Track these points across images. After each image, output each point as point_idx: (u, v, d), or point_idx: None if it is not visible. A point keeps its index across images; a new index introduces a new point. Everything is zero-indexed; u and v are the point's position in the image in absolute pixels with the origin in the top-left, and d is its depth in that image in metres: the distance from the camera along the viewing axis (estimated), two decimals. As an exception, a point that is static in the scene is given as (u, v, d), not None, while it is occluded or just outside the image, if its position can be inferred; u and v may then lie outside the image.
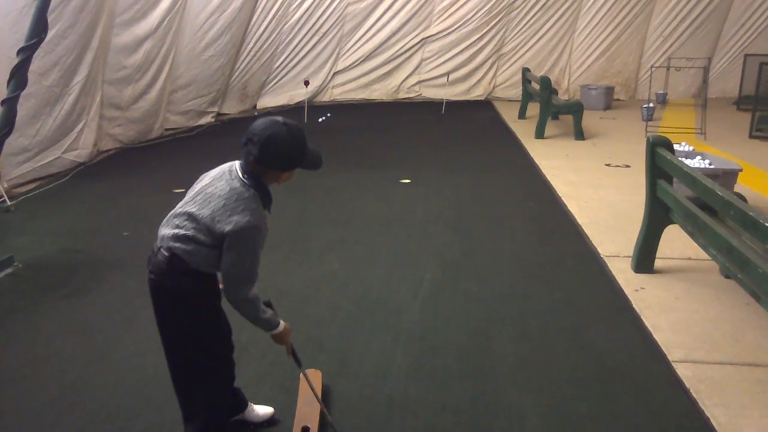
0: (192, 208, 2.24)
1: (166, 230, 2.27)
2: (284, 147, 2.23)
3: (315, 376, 2.96)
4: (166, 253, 2.23)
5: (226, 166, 2.33)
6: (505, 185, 6.58)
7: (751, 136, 8.82)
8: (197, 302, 2.30)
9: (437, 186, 6.54)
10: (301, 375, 2.69)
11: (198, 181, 2.38)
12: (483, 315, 3.73)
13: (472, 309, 3.81)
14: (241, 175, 2.25)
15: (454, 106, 11.97)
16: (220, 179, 2.27)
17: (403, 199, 6.10)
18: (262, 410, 2.73)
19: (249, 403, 2.72)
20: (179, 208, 2.30)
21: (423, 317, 3.71)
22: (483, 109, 11.95)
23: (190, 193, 2.33)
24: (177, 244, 2.22)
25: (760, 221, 2.66)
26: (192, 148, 8.71)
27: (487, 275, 4.29)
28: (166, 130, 9.52)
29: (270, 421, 2.72)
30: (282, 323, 2.38)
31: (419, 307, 3.84)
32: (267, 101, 12.09)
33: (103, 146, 8.06)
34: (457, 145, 8.70)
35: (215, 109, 10.69)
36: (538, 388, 3.00)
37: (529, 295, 3.99)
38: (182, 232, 2.22)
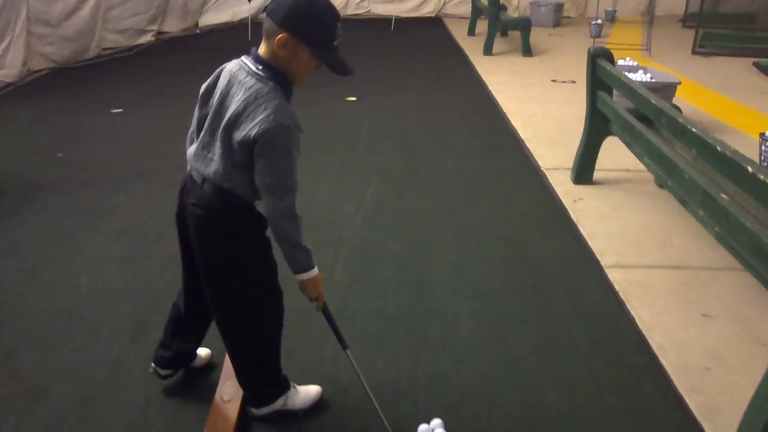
0: (217, 129, 1.90)
1: (205, 167, 1.94)
2: (314, 4, 1.79)
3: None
4: (214, 187, 1.92)
5: (233, 65, 1.94)
6: (451, 102, 6.53)
7: (693, 53, 8.91)
8: (252, 241, 2.02)
9: (383, 103, 6.46)
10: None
11: (205, 92, 2.01)
12: (423, 228, 3.76)
13: (413, 222, 3.83)
14: (253, 68, 1.86)
15: (403, 23, 11.69)
16: (231, 85, 1.89)
17: (348, 117, 6.01)
18: (203, 352, 2.54)
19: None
20: (204, 135, 1.96)
21: (364, 232, 3.72)
22: (433, 26, 11.71)
23: (208, 110, 1.96)
24: (224, 185, 1.91)
25: (689, 128, 2.70)
26: (132, 68, 8.35)
27: (429, 190, 4.31)
28: (104, 49, 9.06)
29: (209, 363, 2.58)
30: (315, 268, 2.03)
31: (361, 222, 3.84)
32: (210, 18, 11.59)
33: (34, 66, 7.64)
34: (405, 63, 8.55)
35: (155, 27, 10.20)
36: (474, 295, 3.07)
37: (470, 207, 4.03)
38: (219, 164, 1.90)
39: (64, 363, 2.58)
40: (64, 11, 7.94)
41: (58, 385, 2.46)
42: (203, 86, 2.02)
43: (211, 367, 2.56)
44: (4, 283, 3.17)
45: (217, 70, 2.01)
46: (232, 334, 2.19)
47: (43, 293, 3.08)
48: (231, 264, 2.04)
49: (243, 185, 1.91)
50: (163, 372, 2.41)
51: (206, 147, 1.96)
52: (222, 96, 1.91)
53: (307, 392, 2.36)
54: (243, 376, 2.26)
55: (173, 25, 10.75)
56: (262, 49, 1.88)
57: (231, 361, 2.30)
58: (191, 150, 2.04)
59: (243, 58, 1.92)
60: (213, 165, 1.92)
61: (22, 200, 4.13)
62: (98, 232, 3.66)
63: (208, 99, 1.98)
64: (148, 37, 9.93)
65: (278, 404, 2.28)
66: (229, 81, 1.90)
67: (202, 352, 2.55)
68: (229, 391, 2.34)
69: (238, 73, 1.89)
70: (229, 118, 1.85)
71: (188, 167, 2.06)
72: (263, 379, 2.27)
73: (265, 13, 1.85)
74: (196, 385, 2.45)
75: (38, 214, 3.93)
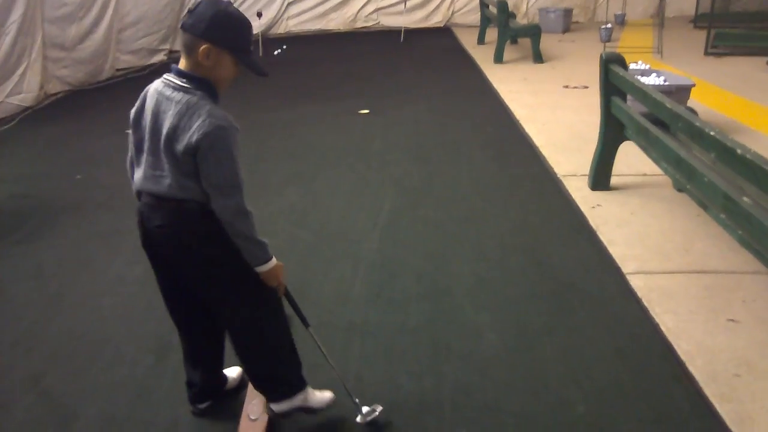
0: (158, 147, 1.93)
1: (159, 186, 1.97)
2: (223, 12, 1.89)
3: (274, 306, 2.96)
4: (171, 203, 1.96)
5: (157, 84, 1.99)
6: (464, 111, 6.54)
7: (706, 53, 8.85)
8: (227, 242, 2.00)
9: (396, 115, 6.47)
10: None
11: (135, 116, 2.03)
12: (441, 239, 3.76)
13: (431, 234, 3.83)
14: (179, 82, 1.92)
15: (412, 34, 11.73)
16: (160, 103, 1.93)
17: (361, 130, 6.03)
18: (234, 372, 2.55)
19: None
20: (147, 156, 1.99)
21: (382, 245, 3.72)
22: (442, 36, 11.74)
23: (142, 133, 1.99)
24: (181, 195, 1.95)
25: (706, 131, 2.68)
26: (144, 88, 8.43)
27: (445, 200, 4.31)
28: (118, 70, 9.18)
29: (243, 380, 2.55)
30: (274, 259, 2.08)
31: (378, 235, 3.85)
32: (220, 36, 11.68)
33: (50, 89, 7.76)
34: (415, 74, 8.58)
35: (167, 47, 10.32)
36: (495, 305, 3.06)
37: (487, 217, 4.03)
38: (170, 178, 1.94)
39: (91, 385, 2.60)
40: (78, 35, 8.06)
41: (86, 407, 2.48)
42: (132, 111, 2.06)
43: (239, 385, 2.57)
44: (30, 307, 3.21)
45: (143, 93, 2.05)
46: (242, 334, 2.20)
47: (68, 316, 3.11)
48: (217, 268, 2.06)
49: (198, 192, 1.95)
50: (202, 406, 2.43)
51: (153, 166, 1.98)
52: (154, 115, 1.96)
53: (323, 395, 2.38)
54: (258, 379, 2.27)
55: (185, 44, 10.87)
56: (182, 64, 1.95)
57: (242, 365, 2.29)
58: (138, 175, 2.05)
59: (165, 75, 1.98)
60: (165, 180, 1.96)
61: (43, 223, 4.18)
62: (118, 252, 3.69)
63: (140, 122, 2.02)
64: (160, 56, 10.05)
65: (298, 400, 2.29)
66: (157, 100, 1.96)
67: (233, 372, 2.57)
68: (255, 410, 2.34)
69: (164, 90, 1.95)
70: (167, 134, 1.90)
71: (139, 197, 2.08)
72: (280, 377, 2.27)
73: (182, 30, 1.92)
74: (223, 404, 2.45)
75: (60, 237, 3.97)
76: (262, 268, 2.05)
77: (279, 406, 2.28)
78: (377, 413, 2.35)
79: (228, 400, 2.46)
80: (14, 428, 2.40)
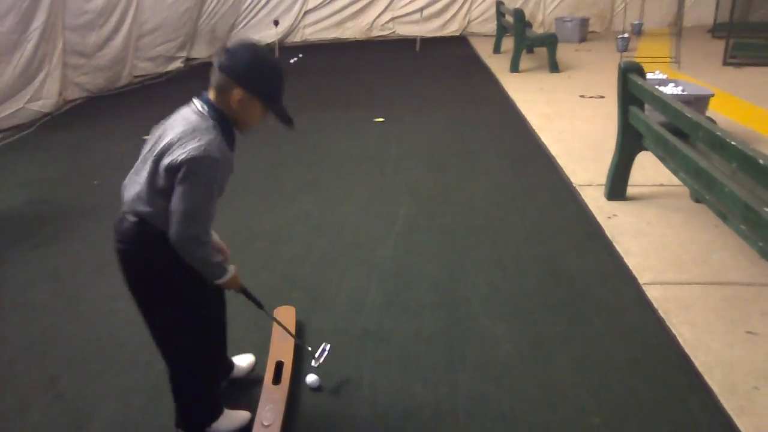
0: (150, 155, 1.95)
1: (129, 191, 2.01)
2: (261, 60, 1.96)
3: (288, 312, 2.97)
4: (133, 218, 1.98)
5: (183, 106, 2.05)
6: (480, 120, 6.53)
7: (724, 63, 8.79)
8: (176, 270, 2.02)
9: (411, 123, 6.48)
10: (273, 314, 2.66)
11: (153, 130, 2.07)
12: (457, 248, 3.74)
13: (446, 242, 3.82)
14: (199, 107, 1.97)
15: (428, 43, 11.76)
16: (175, 119, 1.99)
17: (377, 138, 6.04)
18: (245, 361, 2.65)
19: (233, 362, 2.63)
20: (139, 162, 2.02)
21: (397, 252, 3.71)
22: (458, 45, 11.76)
23: (147, 145, 2.03)
24: (141, 208, 1.96)
25: (728, 141, 2.65)
26: (162, 94, 8.51)
27: (460, 209, 4.29)
28: (135, 77, 9.28)
29: (254, 369, 2.67)
30: (231, 269, 2.12)
31: (393, 242, 3.84)
32: (237, 44, 11.78)
33: (69, 96, 7.85)
34: (431, 82, 8.59)
35: (184, 54, 10.42)
36: (511, 314, 3.04)
37: (503, 225, 4.01)
38: (141, 186, 1.96)
39: (105, 388, 2.62)
40: (98, 42, 8.16)
41: (101, 410, 2.49)
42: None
43: (252, 382, 2.59)
44: (47, 310, 3.24)
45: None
46: (169, 359, 2.24)
47: (84, 319, 3.14)
48: (153, 293, 2.10)
49: (159, 212, 1.94)
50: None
51: (136, 171, 2.01)
52: (163, 128, 2.00)
53: (234, 419, 2.36)
54: (177, 395, 2.29)
55: (201, 51, 10.96)
56: (211, 96, 1.98)
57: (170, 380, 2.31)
58: (125, 180, 2.08)
59: (193, 99, 2.02)
60: (136, 187, 1.98)
61: (61, 227, 4.22)
62: (135, 257, 3.71)
63: (154, 132, 2.05)
64: (177, 64, 10.15)
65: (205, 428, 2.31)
66: (175, 116, 2.01)
67: (244, 362, 2.63)
68: (269, 416, 2.34)
69: (184, 110, 2.01)
70: (164, 146, 1.92)
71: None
72: (194, 403, 2.29)
73: (218, 69, 1.95)
74: (236, 409, 2.45)
75: (77, 242, 4.01)
76: (221, 281, 2.10)
77: None
78: (327, 352, 2.61)
79: (238, 405, 2.45)
80: (30, 429, 2.42)
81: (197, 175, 1.88)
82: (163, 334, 2.20)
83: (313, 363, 2.57)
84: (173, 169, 1.88)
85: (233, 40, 11.64)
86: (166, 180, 1.91)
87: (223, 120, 1.98)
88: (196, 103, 1.99)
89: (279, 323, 2.56)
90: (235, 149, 2.06)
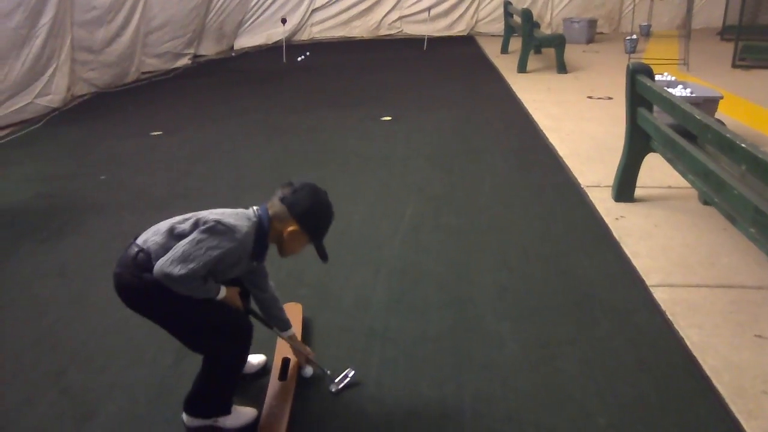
0: (179, 224, 2.10)
1: (147, 233, 2.14)
2: (319, 204, 2.23)
3: (295, 308, 2.97)
4: (134, 249, 2.08)
5: None
6: (487, 120, 6.52)
7: (733, 66, 8.75)
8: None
9: (419, 122, 6.47)
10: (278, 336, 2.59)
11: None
12: (463, 247, 3.74)
13: (453, 242, 3.81)
14: (254, 209, 2.20)
15: (436, 42, 11.75)
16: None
17: (384, 137, 6.04)
18: (256, 360, 2.66)
19: None
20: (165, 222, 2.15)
21: (404, 251, 3.71)
22: (465, 45, 11.75)
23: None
24: (151, 242, 2.07)
25: (737, 143, 2.64)
26: (169, 91, 8.55)
27: (467, 208, 4.29)
28: (143, 73, 9.32)
29: (265, 368, 2.67)
30: (222, 290, 2.17)
31: (400, 241, 3.84)
32: (244, 41, 11.82)
33: (77, 91, 7.89)
34: (438, 82, 8.58)
35: (192, 51, 10.46)
36: (518, 315, 3.03)
37: (510, 226, 4.00)
38: (158, 236, 2.09)
39: (111, 383, 2.62)
40: (106, 38, 8.19)
41: (106, 404, 2.49)
42: None
43: (260, 379, 2.59)
44: (53, 305, 3.24)
45: None
46: (205, 357, 2.29)
47: (90, 314, 3.14)
48: (162, 312, 2.16)
49: (160, 250, 2.03)
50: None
51: (169, 227, 2.10)
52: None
53: (240, 416, 2.37)
54: (201, 383, 2.30)
55: (209, 49, 11.00)
56: (270, 210, 2.20)
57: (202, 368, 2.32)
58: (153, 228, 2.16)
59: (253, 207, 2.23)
60: (155, 229, 2.12)
61: (68, 222, 4.23)
62: (142, 253, 3.72)
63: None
64: (184, 61, 10.18)
65: (211, 421, 2.32)
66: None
67: (254, 359, 2.64)
68: (275, 413, 2.33)
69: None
70: (204, 216, 2.10)
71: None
72: (213, 394, 2.31)
73: (280, 200, 2.19)
74: (243, 405, 2.45)
75: (84, 236, 4.02)
76: (217, 298, 2.17)
77: (192, 420, 2.32)
78: (350, 378, 2.53)
79: (245, 401, 2.46)
80: (36, 422, 2.42)
81: (214, 234, 2.02)
82: (190, 344, 2.27)
83: (331, 388, 2.50)
84: (201, 223, 2.06)
85: (240, 38, 11.67)
86: (189, 230, 2.05)
87: (263, 231, 2.17)
88: (254, 207, 2.21)
89: (291, 344, 2.55)
90: (263, 260, 2.30)
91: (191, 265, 1.97)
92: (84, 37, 7.82)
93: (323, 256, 2.29)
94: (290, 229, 2.18)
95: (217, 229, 2.03)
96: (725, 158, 3.15)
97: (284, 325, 2.52)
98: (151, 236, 2.11)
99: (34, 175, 5.20)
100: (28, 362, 2.79)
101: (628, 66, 4.04)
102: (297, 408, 2.43)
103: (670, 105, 3.52)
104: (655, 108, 4.00)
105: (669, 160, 3.80)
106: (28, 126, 6.63)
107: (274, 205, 2.20)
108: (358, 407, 2.45)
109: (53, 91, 7.20)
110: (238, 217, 2.12)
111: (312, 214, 2.21)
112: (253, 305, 2.48)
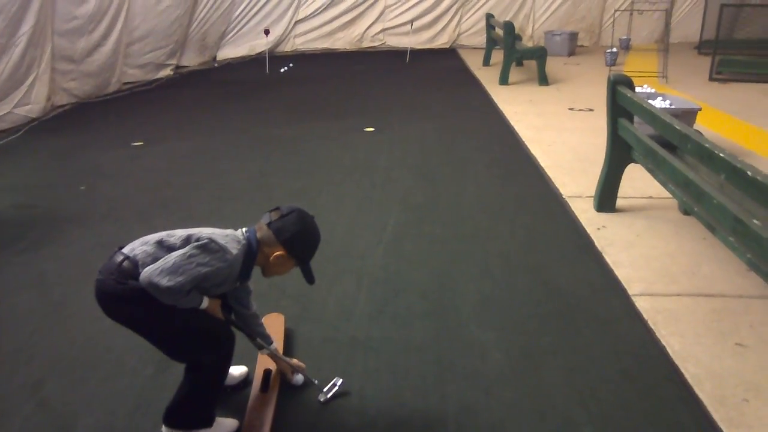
0: (168, 237, 2.11)
1: (134, 243, 2.13)
2: (306, 231, 2.23)
3: (277, 319, 2.95)
4: (120, 257, 2.07)
5: None
6: (469, 131, 6.55)
7: (710, 79, 8.90)
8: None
9: (401, 134, 6.49)
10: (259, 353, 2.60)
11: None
12: (446, 257, 3.74)
13: (436, 251, 3.81)
14: (243, 230, 2.21)
15: (418, 54, 11.82)
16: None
17: (366, 148, 6.04)
18: (237, 371, 2.63)
19: None
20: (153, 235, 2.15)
21: (386, 261, 3.70)
22: (448, 58, 11.82)
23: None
24: (138, 251, 2.07)
25: (716, 152, 2.67)
26: (151, 102, 8.48)
27: (450, 218, 4.29)
28: (124, 84, 9.26)
29: (246, 380, 2.63)
30: (205, 301, 2.15)
31: (383, 251, 3.83)
32: (227, 52, 11.80)
33: (57, 101, 7.81)
34: (421, 94, 8.62)
35: (174, 62, 10.41)
36: (501, 324, 3.03)
37: (492, 235, 4.01)
38: (147, 246, 2.09)
39: (90, 394, 2.57)
40: (87, 48, 8.12)
41: (85, 416, 2.44)
42: None
43: (242, 391, 2.55)
44: (31, 315, 3.19)
45: None
46: (186, 367, 2.28)
47: (69, 325, 3.09)
48: (144, 322, 2.14)
49: (147, 260, 2.03)
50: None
51: (149, 244, 2.10)
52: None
53: (220, 425, 2.35)
54: (183, 395, 2.27)
55: (192, 59, 10.96)
56: (258, 234, 2.19)
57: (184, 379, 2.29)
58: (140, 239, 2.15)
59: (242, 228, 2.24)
60: (144, 240, 2.12)
61: (47, 233, 4.17)
62: (122, 263, 3.67)
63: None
64: (167, 71, 10.13)
65: None
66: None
67: (236, 371, 2.61)
68: (256, 424, 2.31)
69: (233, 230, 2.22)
70: (193, 233, 2.11)
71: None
72: (195, 406, 2.28)
73: (266, 225, 2.19)
74: (224, 417, 2.42)
75: (63, 247, 3.96)
76: (200, 308, 2.16)
77: None
78: (338, 387, 2.53)
79: (225, 413, 2.42)
80: (12, 437, 2.37)
81: (207, 251, 2.03)
82: (172, 353, 2.25)
83: (320, 398, 2.50)
84: (193, 239, 2.07)
85: (222, 49, 11.64)
86: (181, 244, 2.06)
87: (252, 254, 2.17)
88: (243, 229, 2.22)
89: (275, 357, 2.53)
90: (248, 280, 2.30)
91: (179, 279, 1.96)
92: (65, 47, 7.75)
93: (309, 279, 2.31)
94: (277, 253, 2.18)
95: (209, 247, 2.04)
96: (704, 168, 3.18)
97: (266, 340, 2.50)
98: (138, 246, 2.10)
99: (12, 185, 5.12)
100: (3, 374, 2.73)
101: (609, 77, 4.09)
102: (279, 420, 2.40)
103: (651, 116, 3.55)
104: (636, 120, 4.04)
105: (650, 170, 3.84)
106: (6, 136, 6.54)
107: (262, 229, 2.20)
108: (340, 418, 2.43)
109: (33, 100, 7.12)
110: (228, 239, 2.12)
111: (299, 240, 2.22)
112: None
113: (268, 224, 2.19)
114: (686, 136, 3.03)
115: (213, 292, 2.18)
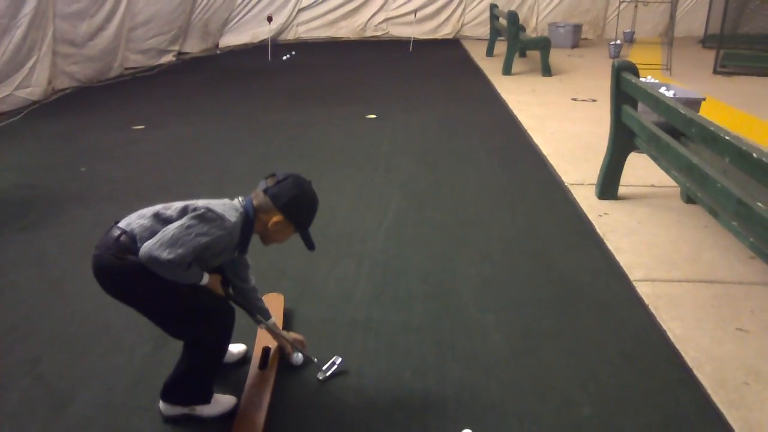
0: (164, 210, 2.08)
1: (131, 216, 2.11)
2: (304, 195, 2.20)
3: (277, 299, 2.94)
4: (117, 231, 2.03)
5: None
6: (471, 120, 6.52)
7: (715, 72, 8.86)
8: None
9: (404, 121, 6.46)
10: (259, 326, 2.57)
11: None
12: (447, 241, 3.72)
13: (436, 236, 3.80)
14: (240, 199, 2.18)
15: (421, 44, 11.77)
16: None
17: (369, 134, 6.02)
18: (236, 349, 2.62)
19: None
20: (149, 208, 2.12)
21: (387, 244, 3.69)
22: (451, 48, 11.78)
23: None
24: (135, 225, 2.04)
25: (721, 135, 2.66)
26: (153, 87, 8.45)
27: (451, 204, 4.28)
28: (126, 69, 9.22)
29: (245, 357, 2.62)
30: (205, 276, 2.13)
31: (384, 235, 3.81)
32: (230, 39, 11.75)
33: (59, 84, 7.77)
34: (424, 83, 8.58)
35: (176, 48, 10.36)
36: (501, 307, 3.02)
37: (493, 221, 3.99)
38: (143, 219, 2.06)
39: (88, 370, 2.57)
40: (89, 32, 8.08)
41: (83, 392, 2.44)
42: None
43: (240, 368, 2.54)
44: (30, 293, 3.18)
45: None
46: (185, 343, 2.27)
47: (68, 302, 3.08)
48: (143, 297, 2.11)
49: (144, 234, 2.01)
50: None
51: (146, 217, 2.07)
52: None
53: (218, 405, 2.33)
54: (181, 371, 2.26)
55: (194, 46, 10.91)
56: (255, 203, 2.17)
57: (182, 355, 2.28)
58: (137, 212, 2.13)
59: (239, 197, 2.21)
60: (140, 213, 2.10)
61: (48, 212, 4.15)
62: (122, 243, 3.66)
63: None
64: (169, 57, 10.08)
65: (188, 409, 2.29)
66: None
67: (235, 348, 2.60)
68: (255, 401, 2.30)
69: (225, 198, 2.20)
70: (190, 203, 2.08)
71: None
72: (195, 383, 2.27)
73: (263, 192, 2.16)
74: (222, 393, 2.41)
75: (63, 226, 3.95)
76: (201, 283, 2.14)
77: (170, 408, 2.28)
78: (337, 365, 2.52)
79: (223, 390, 2.42)
80: (9, 410, 2.36)
81: (205, 221, 2.01)
82: (171, 329, 2.23)
83: (319, 376, 2.49)
84: (190, 209, 2.04)
85: (225, 36, 11.60)
86: (177, 215, 2.04)
87: (249, 222, 2.15)
88: (239, 198, 2.19)
89: (273, 332, 2.51)
90: (246, 251, 2.27)
91: (179, 251, 1.93)
92: (66, 30, 7.71)
93: (309, 245, 2.28)
94: (275, 219, 2.16)
95: (207, 216, 2.01)
96: (708, 151, 3.17)
97: (265, 314, 2.49)
98: (135, 219, 2.07)
99: (13, 166, 5.11)
100: (2, 349, 2.72)
101: (613, 64, 4.08)
102: (277, 397, 2.39)
103: (655, 101, 3.54)
104: (639, 109, 4.02)
105: (652, 157, 3.82)
106: (6, 118, 6.52)
107: (258, 196, 2.17)
108: (339, 397, 2.42)
109: (33, 83, 7.09)
110: (226, 207, 2.10)
111: (296, 205, 2.19)
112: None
113: (265, 190, 2.16)
114: (690, 120, 3.01)
115: (212, 264, 2.16)
